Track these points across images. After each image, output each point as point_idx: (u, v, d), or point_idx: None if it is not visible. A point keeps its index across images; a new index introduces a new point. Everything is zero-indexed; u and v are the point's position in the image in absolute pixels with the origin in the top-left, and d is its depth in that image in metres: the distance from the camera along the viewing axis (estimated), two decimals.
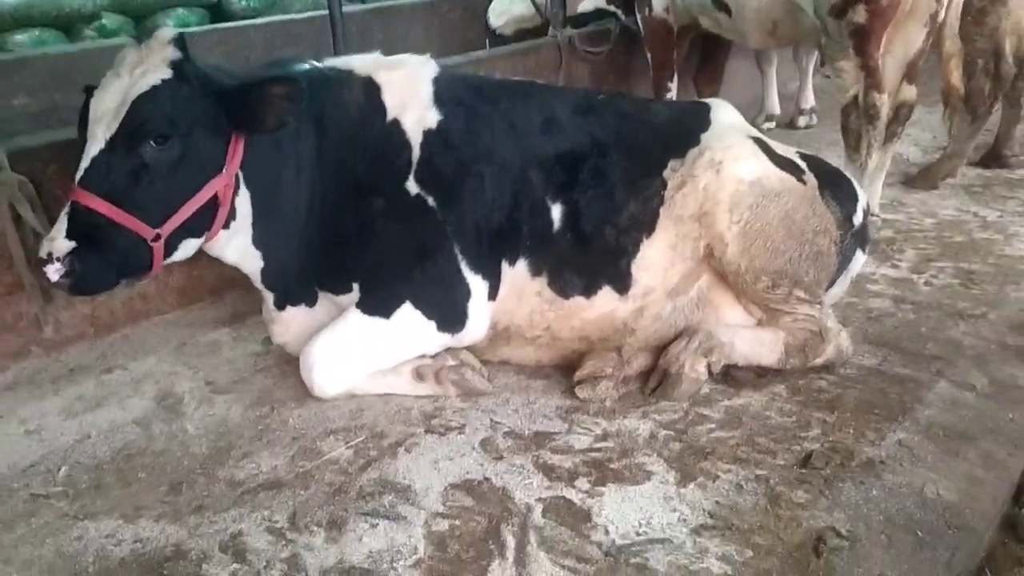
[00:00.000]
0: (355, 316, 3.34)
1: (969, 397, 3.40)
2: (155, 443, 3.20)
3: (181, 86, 2.95)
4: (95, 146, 2.88)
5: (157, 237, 2.95)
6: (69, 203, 2.87)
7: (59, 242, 2.84)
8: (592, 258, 3.41)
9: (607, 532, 2.64)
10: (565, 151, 3.46)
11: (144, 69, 2.92)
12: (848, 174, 4.38)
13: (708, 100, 3.91)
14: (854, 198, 3.72)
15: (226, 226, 3.21)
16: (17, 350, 3.82)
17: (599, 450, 3.07)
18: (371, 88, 3.50)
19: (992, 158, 6.59)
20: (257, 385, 3.59)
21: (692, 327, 3.49)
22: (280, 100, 3.01)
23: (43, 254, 2.85)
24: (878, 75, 4.72)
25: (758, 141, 3.59)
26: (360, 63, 3.58)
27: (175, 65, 2.96)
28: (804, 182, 3.52)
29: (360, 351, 3.36)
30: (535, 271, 3.42)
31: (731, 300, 3.56)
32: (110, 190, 2.86)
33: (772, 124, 7.72)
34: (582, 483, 2.88)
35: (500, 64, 5.77)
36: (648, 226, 3.42)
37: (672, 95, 6.47)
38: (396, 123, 3.45)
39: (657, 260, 3.43)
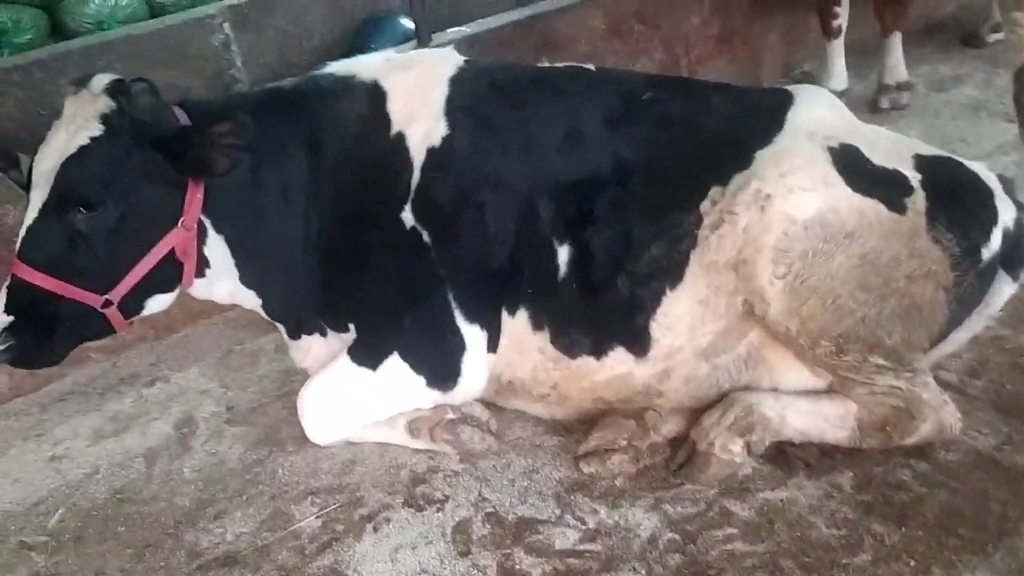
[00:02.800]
0: (344, 363, 3.01)
1: None
2: (149, 486, 3.13)
3: (113, 142, 2.62)
4: (31, 214, 2.64)
5: (107, 303, 2.72)
6: (10, 275, 2.67)
7: None
8: (601, 313, 2.80)
9: None
10: (581, 177, 2.83)
11: (76, 126, 2.62)
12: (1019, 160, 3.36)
13: (795, 87, 3.05)
14: (990, 218, 2.78)
15: (200, 275, 2.93)
16: (77, 355, 3.85)
17: (581, 555, 2.58)
18: (376, 96, 3.05)
19: None
20: (271, 416, 3.41)
21: (734, 394, 2.83)
22: (226, 139, 2.63)
23: None
24: None
25: (845, 151, 2.73)
26: (366, 66, 3.14)
27: (106, 119, 2.62)
28: (902, 209, 2.65)
29: (349, 402, 3.04)
30: (536, 324, 2.87)
31: (790, 358, 2.81)
32: (47, 261, 2.62)
33: None
34: None
35: None
36: (674, 275, 2.73)
37: (841, 24, 5.33)
38: (400, 138, 2.99)
39: (683, 317, 2.74)
